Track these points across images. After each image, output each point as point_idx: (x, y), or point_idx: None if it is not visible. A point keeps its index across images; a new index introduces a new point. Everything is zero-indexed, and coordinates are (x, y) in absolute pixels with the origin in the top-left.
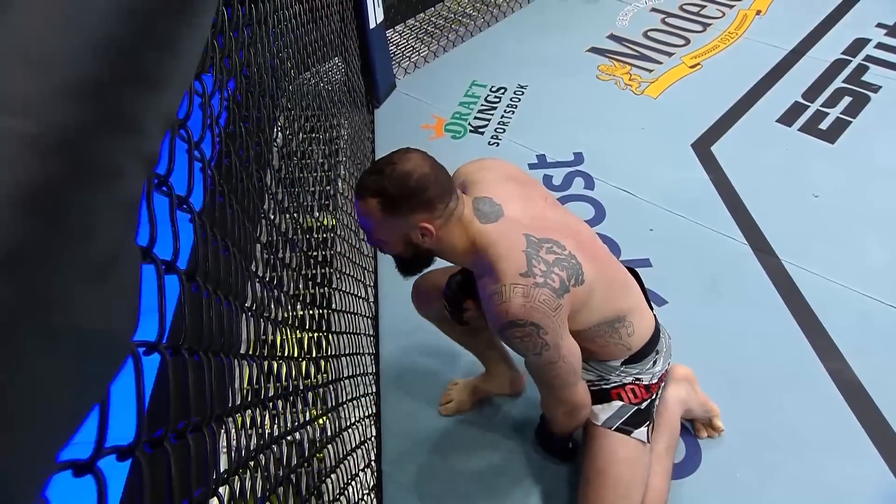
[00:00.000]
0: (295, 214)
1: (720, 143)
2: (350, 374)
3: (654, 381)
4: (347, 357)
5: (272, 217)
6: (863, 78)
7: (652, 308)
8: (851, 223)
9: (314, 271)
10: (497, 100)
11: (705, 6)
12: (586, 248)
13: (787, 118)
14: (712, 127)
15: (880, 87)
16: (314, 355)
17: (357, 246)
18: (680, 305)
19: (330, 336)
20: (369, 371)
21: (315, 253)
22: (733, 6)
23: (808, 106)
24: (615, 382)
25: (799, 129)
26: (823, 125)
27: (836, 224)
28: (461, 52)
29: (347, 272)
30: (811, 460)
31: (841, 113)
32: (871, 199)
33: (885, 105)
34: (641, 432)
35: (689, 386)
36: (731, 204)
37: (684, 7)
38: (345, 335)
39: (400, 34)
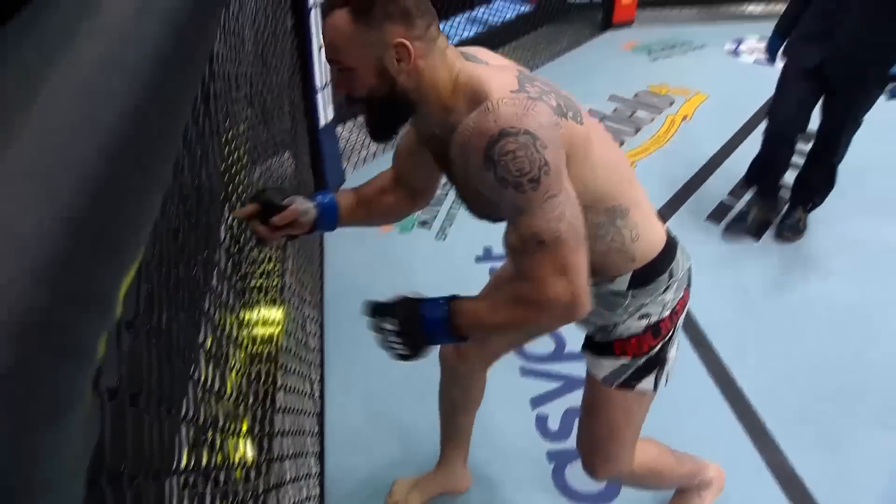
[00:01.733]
0: (238, 312)
1: None
2: (292, 476)
3: (665, 314)
4: (290, 459)
5: (215, 317)
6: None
7: (665, 223)
8: (782, 317)
9: (257, 368)
10: (444, 195)
11: (636, 110)
12: (586, 113)
13: (715, 216)
14: None
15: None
16: (254, 459)
17: (303, 340)
18: None
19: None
20: (313, 472)
21: (259, 349)
22: (662, 111)
23: (734, 204)
24: (619, 332)
25: (725, 227)
26: (748, 221)
27: (767, 318)
28: None
29: (293, 368)
30: None
31: None
32: (799, 290)
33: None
34: (647, 382)
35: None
36: None
37: (617, 111)
38: (287, 436)
39: (349, 130)
